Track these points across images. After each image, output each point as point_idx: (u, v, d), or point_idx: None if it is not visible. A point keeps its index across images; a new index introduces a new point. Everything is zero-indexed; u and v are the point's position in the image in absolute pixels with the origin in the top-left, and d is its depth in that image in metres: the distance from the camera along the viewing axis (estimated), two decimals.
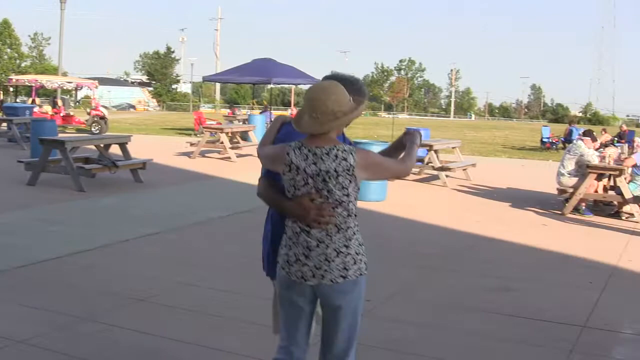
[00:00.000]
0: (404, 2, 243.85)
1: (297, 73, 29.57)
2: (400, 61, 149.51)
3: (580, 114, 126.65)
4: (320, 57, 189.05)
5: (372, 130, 40.64)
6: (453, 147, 19.56)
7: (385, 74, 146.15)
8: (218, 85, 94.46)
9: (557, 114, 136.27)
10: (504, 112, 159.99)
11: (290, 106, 31.98)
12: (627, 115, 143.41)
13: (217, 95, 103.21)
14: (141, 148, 18.63)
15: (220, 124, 26.82)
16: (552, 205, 13.70)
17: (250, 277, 6.60)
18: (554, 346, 5.87)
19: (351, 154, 3.49)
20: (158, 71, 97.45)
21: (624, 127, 29.15)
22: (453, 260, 9.10)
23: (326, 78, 3.86)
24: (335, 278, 3.52)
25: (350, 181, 3.49)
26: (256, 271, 4.51)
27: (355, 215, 3.59)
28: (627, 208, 12.67)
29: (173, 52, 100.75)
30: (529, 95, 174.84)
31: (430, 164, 17.00)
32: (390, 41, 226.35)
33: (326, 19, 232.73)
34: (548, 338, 6.06)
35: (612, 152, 13.68)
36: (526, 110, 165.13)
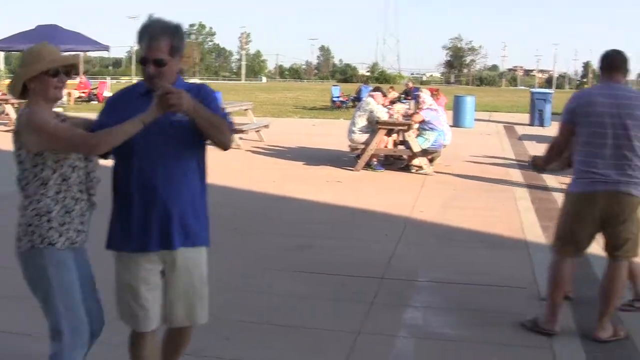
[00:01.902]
0: None
1: (84, 39, 28.33)
2: (191, 26, 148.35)
3: (368, 74, 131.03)
4: (109, 23, 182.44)
5: None
6: (245, 109, 19.50)
7: None
8: (2, 53, 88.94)
9: (346, 74, 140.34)
10: (295, 73, 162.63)
11: (79, 74, 30.38)
12: (412, 73, 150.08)
13: (2, 65, 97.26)
14: None
15: (6, 94, 25.29)
16: (345, 162, 13.98)
17: None
18: (356, 299, 5.97)
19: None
20: None
21: (410, 84, 30.26)
22: (252, 221, 9.02)
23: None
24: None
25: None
26: None
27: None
28: (416, 161, 13.15)
29: None
30: (318, 56, 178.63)
31: None
32: (178, 6, 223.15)
33: None
34: (350, 292, 6.16)
35: (399, 108, 14.15)
36: (316, 71, 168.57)
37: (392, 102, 17.06)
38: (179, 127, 3.49)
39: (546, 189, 11.79)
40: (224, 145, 3.70)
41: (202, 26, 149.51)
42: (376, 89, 13.99)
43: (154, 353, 3.83)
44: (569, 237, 5.22)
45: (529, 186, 11.97)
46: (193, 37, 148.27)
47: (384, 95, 13.75)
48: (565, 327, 5.32)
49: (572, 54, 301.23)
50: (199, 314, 3.81)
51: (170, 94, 3.29)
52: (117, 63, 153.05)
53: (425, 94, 14.01)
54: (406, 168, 13.44)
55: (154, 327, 3.71)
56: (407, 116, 13.52)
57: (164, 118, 3.40)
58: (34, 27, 28.44)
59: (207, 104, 3.59)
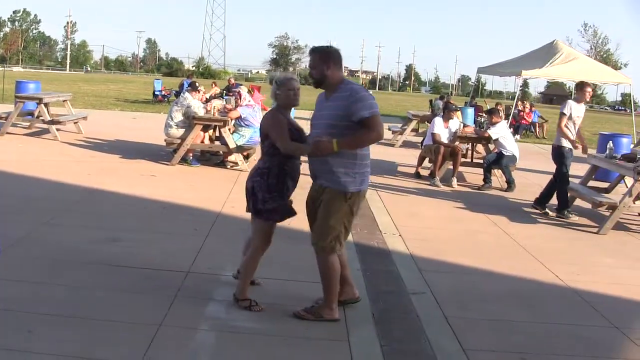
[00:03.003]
0: None
1: None
2: (15, 12, 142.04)
3: (194, 68, 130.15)
4: None
5: None
6: (64, 100, 18.99)
7: None
8: None
9: (172, 68, 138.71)
10: (120, 65, 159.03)
11: None
12: (238, 70, 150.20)
13: None
14: None
15: None
16: (161, 156, 13.98)
17: None
18: (159, 293, 6.06)
19: None
20: None
21: (232, 81, 30.45)
22: (64, 213, 8.90)
23: None
24: None
25: None
26: None
27: None
28: (232, 157, 13.34)
29: None
30: (144, 49, 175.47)
31: (40, 118, 16.41)
32: None
33: None
34: (154, 286, 6.25)
35: (217, 103, 14.28)
36: (142, 64, 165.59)
37: (213, 97, 17.17)
38: None
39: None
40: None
41: (26, 13, 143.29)
42: (191, 85, 14.08)
43: None
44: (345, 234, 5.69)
45: None
46: (17, 24, 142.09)
47: (196, 90, 13.83)
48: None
49: (395, 56, 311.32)
50: None
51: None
52: None
53: (243, 91, 14.20)
54: (222, 164, 13.61)
55: None
56: (224, 112, 13.67)
57: None
58: None
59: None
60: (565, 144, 10.99)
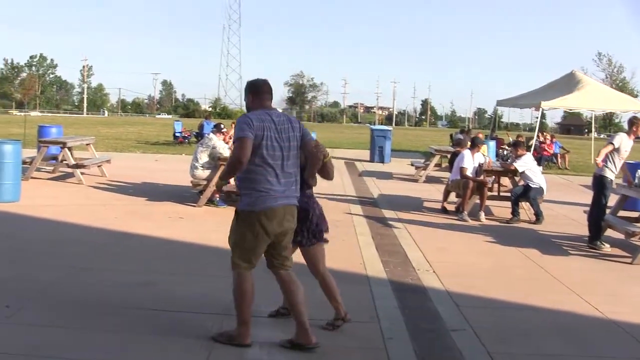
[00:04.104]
0: None
1: None
2: (31, 57, 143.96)
3: (211, 109, 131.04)
4: None
5: (3, 128, 38.44)
6: (87, 144, 19.12)
7: (16, 70, 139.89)
8: None
9: (188, 109, 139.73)
10: (137, 107, 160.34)
11: None
12: None
13: None
14: None
15: None
16: (187, 198, 13.97)
17: None
18: (198, 337, 5.96)
19: None
20: None
21: None
22: (94, 258, 8.87)
23: None
24: None
25: None
26: None
27: None
28: None
29: None
30: (160, 91, 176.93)
31: (64, 162, 16.51)
32: (19, 37, 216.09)
33: None
34: (191, 329, 6.16)
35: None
36: (158, 105, 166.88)
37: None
38: None
39: (386, 224, 12.24)
40: None
41: (43, 58, 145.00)
42: (216, 126, 14.13)
43: None
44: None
45: (370, 222, 12.38)
46: (34, 69, 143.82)
47: (220, 131, 13.89)
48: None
49: (410, 91, 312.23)
50: None
51: None
52: None
53: None
54: None
55: None
56: None
57: None
58: None
59: None
60: (609, 174, 10.89)
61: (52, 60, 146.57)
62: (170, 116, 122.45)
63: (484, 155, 15.15)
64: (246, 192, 5.71)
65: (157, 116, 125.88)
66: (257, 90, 5.87)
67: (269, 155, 5.59)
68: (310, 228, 6.22)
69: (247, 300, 5.76)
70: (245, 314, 5.76)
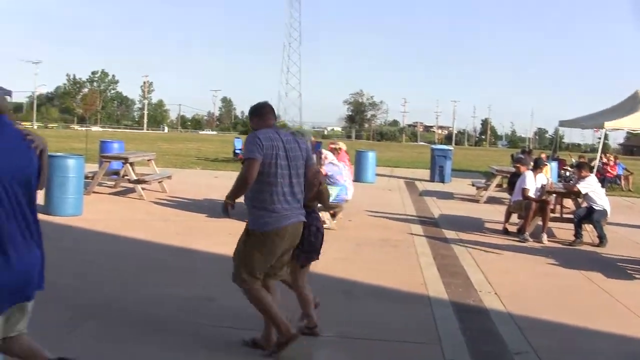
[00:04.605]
0: (91, 12, 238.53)
1: None
2: (93, 73, 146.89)
3: None
4: (7, 67, 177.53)
5: (65, 143, 39.23)
6: (148, 160, 19.37)
7: (78, 85, 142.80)
8: None
9: (247, 126, 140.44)
10: (196, 124, 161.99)
11: None
12: (313, 127, 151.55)
13: None
14: None
15: None
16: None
17: None
18: (251, 353, 6.00)
19: None
20: None
21: (312, 139, 30.62)
22: (157, 272, 8.99)
23: None
24: None
25: None
26: None
27: None
28: None
29: None
30: (220, 107, 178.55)
31: (126, 177, 16.75)
32: (81, 53, 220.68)
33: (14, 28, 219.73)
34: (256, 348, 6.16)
35: None
36: (218, 122, 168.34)
37: None
38: None
39: (447, 244, 12.14)
40: None
41: (104, 74, 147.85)
42: None
43: None
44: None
45: (431, 242, 12.29)
46: (95, 84, 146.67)
47: None
48: None
49: (470, 110, 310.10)
50: None
51: None
52: (18, 108, 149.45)
53: (325, 152, 14.23)
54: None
55: None
56: None
57: None
58: None
59: None
60: None
61: (113, 76, 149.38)
62: (214, 132, 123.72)
63: (546, 176, 14.95)
64: (256, 212, 5.92)
65: (201, 132, 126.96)
66: (261, 112, 6.10)
67: (278, 174, 5.79)
68: (304, 247, 6.42)
69: (269, 303, 5.94)
70: (277, 316, 5.90)
